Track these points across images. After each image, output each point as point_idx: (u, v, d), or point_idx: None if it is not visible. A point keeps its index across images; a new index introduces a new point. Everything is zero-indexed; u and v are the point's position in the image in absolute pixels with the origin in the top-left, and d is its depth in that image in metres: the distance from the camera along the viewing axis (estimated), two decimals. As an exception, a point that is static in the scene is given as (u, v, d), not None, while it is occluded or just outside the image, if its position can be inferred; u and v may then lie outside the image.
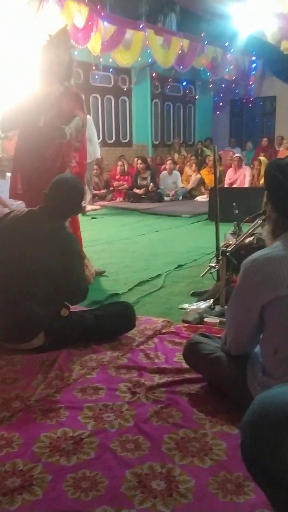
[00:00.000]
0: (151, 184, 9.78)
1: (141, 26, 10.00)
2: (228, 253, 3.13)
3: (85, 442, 1.70)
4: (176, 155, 11.97)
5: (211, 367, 2.04)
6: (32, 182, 3.41)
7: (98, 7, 9.09)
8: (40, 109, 3.34)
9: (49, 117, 3.36)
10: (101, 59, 9.74)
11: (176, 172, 10.28)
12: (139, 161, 10.00)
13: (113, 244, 5.41)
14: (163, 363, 2.34)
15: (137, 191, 9.73)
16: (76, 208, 2.70)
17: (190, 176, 10.65)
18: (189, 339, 2.26)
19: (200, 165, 10.83)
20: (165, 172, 10.24)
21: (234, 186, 8.80)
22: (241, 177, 9.03)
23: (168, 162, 10.32)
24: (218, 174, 4.10)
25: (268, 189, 1.85)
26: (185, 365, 2.28)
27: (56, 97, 3.43)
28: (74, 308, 2.76)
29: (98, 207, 8.76)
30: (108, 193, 9.87)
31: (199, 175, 10.35)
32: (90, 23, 8.57)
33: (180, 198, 9.96)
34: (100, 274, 3.97)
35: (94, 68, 10.29)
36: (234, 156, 9.69)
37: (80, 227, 3.81)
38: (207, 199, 8.21)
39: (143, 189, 9.74)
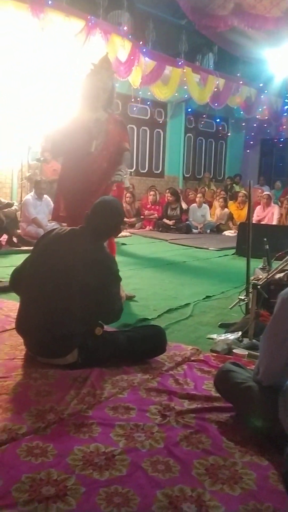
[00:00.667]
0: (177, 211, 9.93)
1: (180, 63, 10.35)
2: (259, 286, 3.16)
3: (117, 459, 1.73)
4: (204, 189, 12.13)
5: (241, 396, 2.05)
6: (76, 204, 3.53)
7: (141, 43, 9.46)
8: (92, 134, 3.47)
9: (99, 142, 3.49)
10: (139, 92, 10.07)
11: (205, 206, 10.40)
12: (169, 194, 10.16)
13: (142, 271, 5.48)
14: (192, 390, 2.36)
15: (167, 221, 9.85)
16: (116, 229, 2.78)
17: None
18: (221, 367, 2.28)
19: (227, 200, 10.92)
20: (194, 204, 10.37)
21: (262, 223, 8.84)
22: (269, 214, 9.08)
23: (198, 195, 10.46)
24: (251, 208, 4.15)
25: None
26: (214, 393, 2.30)
27: (103, 123, 3.57)
28: (107, 328, 2.80)
29: (128, 233, 8.89)
30: (138, 221, 10.02)
31: (226, 210, 10.43)
32: (132, 57, 8.93)
33: (208, 231, 10.04)
34: (130, 298, 4.03)
35: (132, 100, 10.62)
36: (264, 193, 9.76)
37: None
38: (235, 234, 8.26)
39: (172, 220, 9.86)
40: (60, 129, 3.61)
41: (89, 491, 1.54)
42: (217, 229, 10.20)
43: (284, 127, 14.33)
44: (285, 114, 13.86)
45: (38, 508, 1.44)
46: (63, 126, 3.61)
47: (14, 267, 2.84)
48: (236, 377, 2.12)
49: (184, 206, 10.31)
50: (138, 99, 10.62)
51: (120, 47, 8.74)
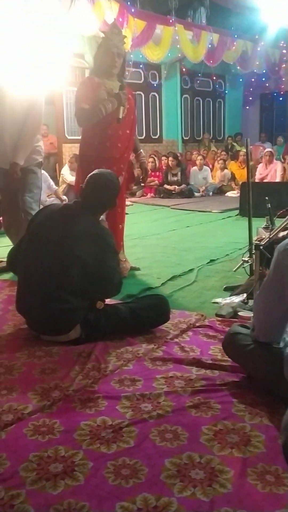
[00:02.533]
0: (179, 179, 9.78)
1: (171, 21, 9.98)
2: (261, 247, 3.11)
3: (124, 431, 1.73)
4: (205, 151, 11.91)
5: (248, 358, 2.04)
6: None
7: (129, 3, 9.12)
8: (121, 101, 3.50)
9: (124, 109, 3.53)
10: (131, 55, 9.76)
11: (206, 168, 10.22)
12: (171, 158, 9.99)
13: (145, 239, 5.44)
14: (199, 356, 2.35)
15: (168, 187, 9.73)
16: (111, 202, 2.71)
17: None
18: (229, 330, 2.27)
19: (228, 161, 10.73)
20: (195, 167, 10.19)
21: (265, 181, 8.70)
22: (272, 172, 8.91)
23: (198, 158, 10.27)
24: (249, 167, 4.06)
25: None
26: (221, 358, 2.29)
27: (126, 90, 3.61)
28: (109, 301, 2.79)
29: (129, 203, 8.80)
30: (138, 189, 9.90)
31: (226, 171, 10.25)
32: (120, 19, 8.60)
33: (211, 193, 9.90)
34: (135, 269, 4.00)
35: (126, 65, 10.31)
36: (265, 151, 9.56)
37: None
38: (238, 194, 8.15)
39: (174, 186, 9.73)
40: (83, 96, 3.54)
41: (96, 465, 1.55)
42: (220, 191, 10.05)
43: (284, 79, 13.91)
44: (284, 65, 13.43)
45: (46, 486, 1.45)
46: (86, 94, 3.55)
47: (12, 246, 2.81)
48: (242, 339, 2.12)
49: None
50: (130, 62, 10.30)
51: (107, 9, 8.42)
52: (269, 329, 1.92)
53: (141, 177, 4.17)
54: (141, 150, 4.06)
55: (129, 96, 3.70)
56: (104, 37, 3.64)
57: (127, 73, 10.66)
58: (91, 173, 2.69)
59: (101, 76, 3.62)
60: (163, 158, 10.47)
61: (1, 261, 4.30)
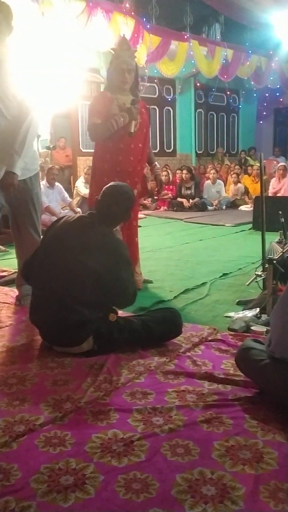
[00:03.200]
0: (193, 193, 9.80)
1: (185, 37, 10.10)
2: (275, 261, 3.10)
3: (136, 445, 1.72)
4: (219, 165, 11.93)
5: (261, 373, 2.02)
6: None
7: (144, 19, 9.25)
8: (132, 115, 3.55)
9: (136, 123, 3.59)
10: (146, 70, 9.87)
11: (219, 182, 10.23)
12: (185, 171, 10.03)
13: (158, 252, 5.44)
14: (211, 370, 2.34)
15: (183, 200, 9.74)
16: (125, 215, 2.72)
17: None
18: (242, 344, 2.25)
19: (241, 175, 10.72)
20: (208, 181, 10.21)
21: (279, 195, 8.67)
22: (286, 185, 8.88)
23: (212, 171, 10.29)
24: (263, 181, 4.06)
25: None
26: (233, 372, 2.28)
27: (138, 104, 3.65)
28: (121, 313, 2.79)
29: (142, 215, 8.83)
30: (152, 202, 9.93)
31: (240, 185, 10.25)
32: (136, 35, 8.73)
33: (224, 207, 9.90)
34: (147, 282, 4.01)
35: (139, 79, 10.43)
36: (279, 165, 9.55)
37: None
38: (251, 208, 8.13)
39: (187, 199, 9.75)
40: (96, 111, 3.61)
41: (107, 479, 1.54)
42: (233, 205, 10.05)
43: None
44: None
45: (57, 498, 1.45)
46: (99, 109, 3.62)
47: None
48: (255, 354, 2.10)
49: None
50: (145, 77, 10.41)
51: (123, 25, 8.54)
52: (285, 346, 1.91)
53: (156, 189, 4.19)
54: (156, 163, 4.10)
55: (142, 110, 3.74)
56: (113, 53, 3.68)
57: (141, 87, 10.82)
58: (107, 185, 2.72)
59: (114, 91, 3.67)
60: (178, 171, 10.52)
61: (15, 272, 4.34)
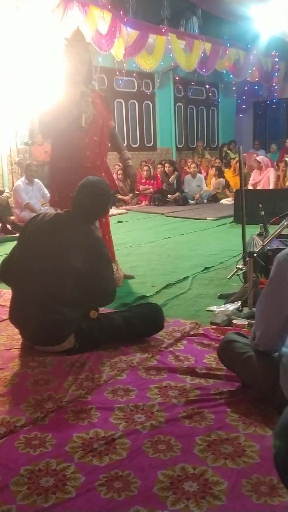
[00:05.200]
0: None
1: (163, 31, 10.05)
2: (255, 254, 3.11)
3: (117, 443, 1.71)
4: (199, 158, 11.94)
5: (243, 366, 2.03)
6: (72, 185, 3.47)
7: (121, 13, 9.17)
8: (81, 108, 3.45)
9: (88, 116, 3.48)
10: (124, 64, 9.81)
11: (200, 176, 10.25)
12: (167, 164, 10.02)
13: (140, 248, 5.43)
14: (193, 365, 2.33)
15: (169, 195, 9.72)
16: (103, 210, 2.69)
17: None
18: (224, 337, 2.25)
19: (220, 169, 10.72)
20: (189, 175, 10.22)
21: (258, 187, 8.72)
22: (265, 178, 8.92)
23: (192, 165, 10.30)
24: (243, 176, 4.06)
25: None
26: (215, 366, 2.28)
27: (89, 96, 3.55)
28: (103, 310, 2.77)
29: (123, 211, 8.80)
30: (133, 197, 9.91)
31: (220, 179, 10.26)
32: (113, 29, 8.66)
33: (205, 201, 9.92)
34: (128, 278, 3.98)
35: (117, 73, 10.36)
36: (254, 160, 9.48)
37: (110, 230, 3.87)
38: (232, 201, 8.16)
39: (173, 193, 9.74)
40: (47, 109, 3.51)
41: (88, 479, 1.53)
42: (214, 198, 10.07)
43: (276, 87, 14.00)
44: (276, 74, 13.53)
45: (37, 501, 1.43)
46: (50, 105, 3.53)
47: (5, 255, 2.79)
48: (238, 347, 2.10)
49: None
50: (123, 71, 10.36)
51: (100, 19, 8.46)
52: (270, 338, 1.91)
53: (128, 182, 4.06)
54: (125, 151, 3.90)
55: (96, 101, 3.61)
56: (66, 44, 3.55)
57: (120, 81, 10.77)
58: (82, 181, 2.67)
59: (65, 84, 3.55)
60: (159, 165, 10.50)
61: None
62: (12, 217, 6.97)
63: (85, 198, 2.57)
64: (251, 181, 9.02)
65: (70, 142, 3.50)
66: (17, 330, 2.65)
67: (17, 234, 6.02)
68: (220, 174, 10.30)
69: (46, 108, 3.53)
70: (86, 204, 2.57)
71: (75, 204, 2.59)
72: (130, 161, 3.95)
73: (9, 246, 5.57)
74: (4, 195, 6.83)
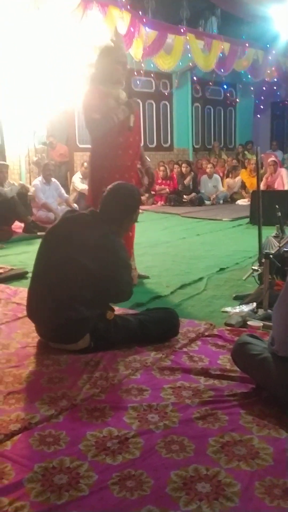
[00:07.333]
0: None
1: (182, 31, 10.03)
2: (271, 256, 3.09)
3: (130, 442, 1.71)
4: (216, 159, 11.89)
5: (258, 368, 2.02)
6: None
7: (140, 13, 9.18)
8: (131, 109, 3.57)
9: (135, 117, 3.61)
10: (142, 64, 9.82)
11: (216, 176, 10.21)
12: (184, 165, 10.01)
13: (155, 248, 5.43)
14: (207, 366, 2.33)
15: (185, 196, 9.70)
16: (127, 212, 2.66)
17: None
18: (238, 339, 2.24)
19: (231, 170, 10.66)
20: (205, 176, 10.19)
21: (276, 189, 8.62)
22: (279, 179, 8.83)
23: (208, 166, 10.26)
24: (259, 176, 4.03)
25: None
26: (230, 368, 2.27)
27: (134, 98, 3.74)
28: (119, 310, 2.78)
29: (139, 211, 8.79)
30: (149, 197, 9.91)
31: (237, 179, 10.20)
32: (132, 29, 8.67)
33: (221, 201, 9.88)
34: (143, 278, 3.99)
35: (135, 73, 10.38)
36: (269, 160, 9.39)
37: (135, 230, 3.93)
38: (249, 202, 8.11)
39: (189, 194, 9.72)
40: (95, 107, 3.55)
41: (101, 477, 1.53)
42: (231, 199, 10.03)
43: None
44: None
45: (50, 498, 1.44)
46: (98, 103, 3.55)
47: (25, 254, 2.81)
48: (252, 349, 2.09)
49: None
50: (142, 72, 10.37)
51: (119, 19, 8.48)
52: None
53: (147, 183, 4.13)
54: (146, 157, 4.08)
55: (136, 108, 3.74)
56: (112, 46, 3.67)
57: (138, 81, 10.79)
58: (112, 185, 2.68)
59: (107, 85, 3.61)
60: (175, 166, 10.49)
61: (12, 269, 4.33)
62: (31, 217, 6.98)
63: (111, 201, 2.59)
64: (264, 181, 8.92)
65: (115, 141, 3.59)
66: (33, 328, 2.67)
67: (38, 233, 6.11)
68: (235, 174, 10.23)
69: (90, 105, 3.57)
70: (111, 207, 2.58)
71: (102, 205, 2.61)
72: (150, 164, 4.16)
73: (26, 245, 5.65)
74: (30, 192, 6.77)
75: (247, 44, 11.51)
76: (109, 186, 2.67)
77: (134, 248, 3.99)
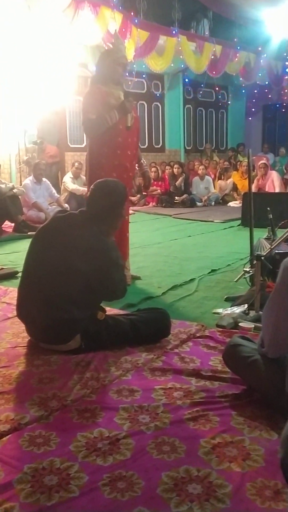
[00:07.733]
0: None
1: (174, 32, 10.05)
2: (262, 258, 3.10)
3: (121, 443, 1.70)
4: (207, 161, 11.92)
5: (249, 370, 2.01)
6: None
7: (132, 14, 9.18)
8: (128, 109, 3.58)
9: (131, 116, 3.61)
10: (134, 65, 9.82)
11: (208, 178, 10.23)
12: (176, 166, 10.02)
13: (147, 248, 5.42)
14: (199, 367, 2.32)
15: (177, 197, 9.70)
16: (114, 210, 2.60)
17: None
18: (229, 341, 2.24)
19: (223, 172, 10.68)
20: (197, 177, 10.21)
21: (267, 191, 8.66)
22: (269, 182, 8.87)
23: (200, 167, 10.28)
24: (251, 178, 4.04)
25: None
26: (221, 369, 2.27)
27: (131, 98, 3.69)
28: (110, 311, 2.77)
29: (131, 211, 8.78)
30: (141, 198, 9.91)
31: (229, 181, 10.23)
32: (124, 29, 8.66)
33: (213, 203, 9.90)
34: (135, 279, 3.98)
35: (127, 74, 10.36)
36: (259, 163, 9.43)
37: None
38: (240, 204, 8.13)
39: (181, 195, 9.72)
40: (92, 107, 3.55)
41: (92, 478, 1.52)
42: (222, 201, 10.05)
43: (286, 91, 13.95)
44: (287, 77, 13.48)
45: (40, 499, 1.42)
46: (97, 103, 3.56)
47: (15, 253, 2.79)
48: (243, 351, 2.09)
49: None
50: (133, 72, 10.36)
51: (111, 20, 8.48)
52: (279, 345, 1.89)
53: (143, 185, 4.18)
54: (143, 159, 4.10)
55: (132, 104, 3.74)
56: (112, 47, 3.73)
57: (129, 83, 10.78)
58: (96, 182, 2.65)
59: (109, 85, 3.63)
60: (167, 167, 10.50)
61: (2, 268, 4.30)
62: (21, 216, 6.93)
63: (96, 198, 2.56)
64: (255, 183, 8.95)
65: (113, 140, 3.60)
66: (23, 328, 2.65)
67: (29, 233, 6.07)
68: (226, 175, 10.26)
69: (89, 105, 3.58)
70: (97, 204, 2.55)
71: (87, 204, 2.59)
72: (147, 167, 4.24)
73: (16, 245, 5.62)
74: (15, 190, 6.70)
75: (238, 47, 11.55)
76: (92, 186, 2.63)
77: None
